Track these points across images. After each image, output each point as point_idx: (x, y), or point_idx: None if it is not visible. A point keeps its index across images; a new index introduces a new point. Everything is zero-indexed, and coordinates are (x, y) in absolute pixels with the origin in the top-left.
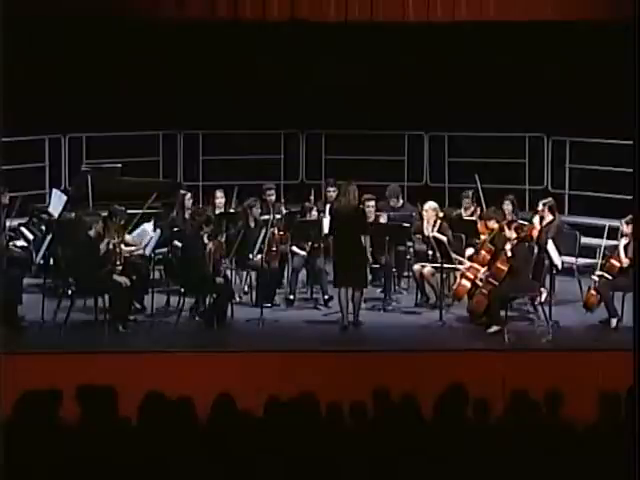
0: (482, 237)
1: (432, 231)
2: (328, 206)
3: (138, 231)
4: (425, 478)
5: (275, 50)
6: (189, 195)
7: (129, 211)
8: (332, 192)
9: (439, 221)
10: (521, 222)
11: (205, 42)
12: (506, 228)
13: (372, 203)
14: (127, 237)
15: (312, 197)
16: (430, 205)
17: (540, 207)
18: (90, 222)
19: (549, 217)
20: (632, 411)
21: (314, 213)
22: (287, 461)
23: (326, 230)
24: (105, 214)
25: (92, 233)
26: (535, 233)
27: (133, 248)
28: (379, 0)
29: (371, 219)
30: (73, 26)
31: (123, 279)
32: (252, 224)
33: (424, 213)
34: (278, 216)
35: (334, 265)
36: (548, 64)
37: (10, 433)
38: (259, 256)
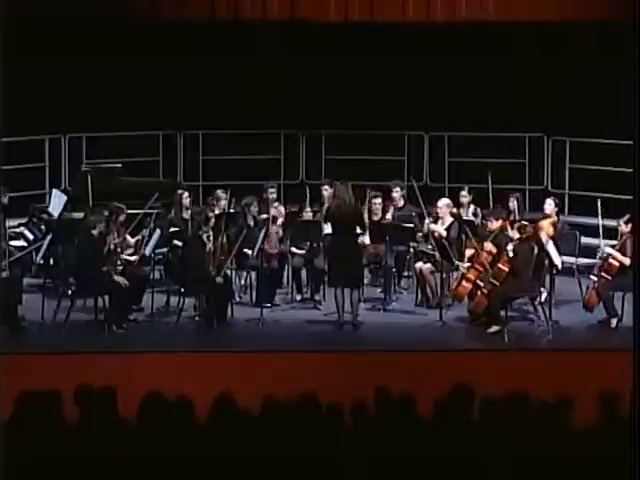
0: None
1: (442, 229)
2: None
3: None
4: (426, 478)
5: (275, 50)
6: (187, 194)
7: (129, 211)
8: (327, 192)
9: (450, 219)
10: (523, 222)
11: (205, 42)
12: (509, 228)
13: (379, 200)
14: (128, 237)
15: (306, 197)
16: (444, 202)
17: (551, 205)
18: (93, 222)
19: (552, 217)
20: (632, 411)
21: (304, 214)
22: (287, 461)
23: (326, 230)
24: (107, 213)
25: (95, 232)
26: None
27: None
28: (379, 0)
29: (378, 216)
30: (73, 26)
31: (122, 279)
32: (251, 222)
33: (438, 210)
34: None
35: (328, 264)
36: (548, 64)
37: (10, 433)
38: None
